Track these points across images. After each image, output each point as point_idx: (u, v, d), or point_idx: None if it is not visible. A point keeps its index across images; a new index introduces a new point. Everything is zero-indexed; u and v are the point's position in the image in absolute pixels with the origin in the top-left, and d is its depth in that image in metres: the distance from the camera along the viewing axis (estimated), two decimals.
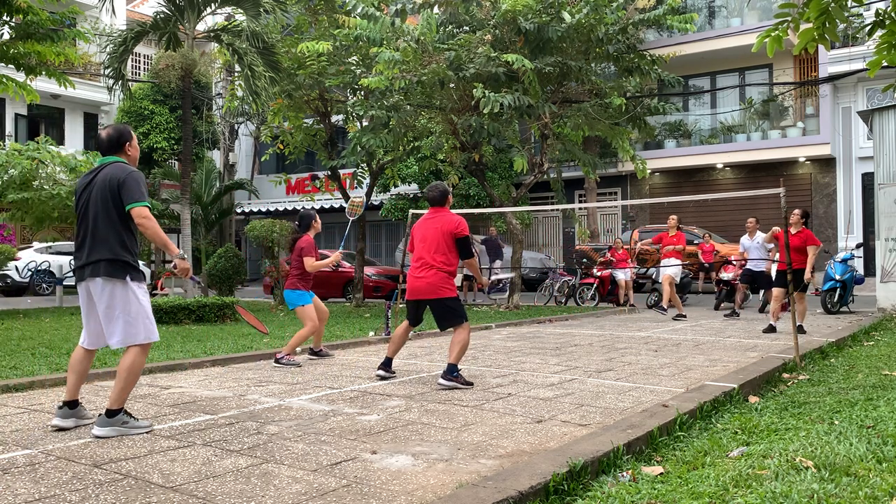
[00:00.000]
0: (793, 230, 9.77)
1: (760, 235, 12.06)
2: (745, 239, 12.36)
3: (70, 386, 4.36)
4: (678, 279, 13.72)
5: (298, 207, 28.03)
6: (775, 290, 9.96)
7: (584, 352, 8.13)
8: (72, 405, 4.37)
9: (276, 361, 7.19)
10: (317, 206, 26.05)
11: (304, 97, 15.97)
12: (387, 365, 6.31)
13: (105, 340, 4.33)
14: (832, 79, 18.71)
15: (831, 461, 3.41)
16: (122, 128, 4.46)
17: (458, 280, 17.91)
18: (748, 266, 12.20)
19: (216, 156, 30.76)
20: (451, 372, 5.82)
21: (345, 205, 18.26)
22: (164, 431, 4.33)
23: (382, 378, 6.25)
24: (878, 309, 12.91)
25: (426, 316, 6.54)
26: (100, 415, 4.25)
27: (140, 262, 4.43)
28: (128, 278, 4.23)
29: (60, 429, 4.31)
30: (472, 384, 5.85)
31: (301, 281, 7.38)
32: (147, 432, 4.25)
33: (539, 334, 10.24)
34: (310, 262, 7.35)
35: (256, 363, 7.36)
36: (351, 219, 8.98)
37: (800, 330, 9.13)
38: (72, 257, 20.13)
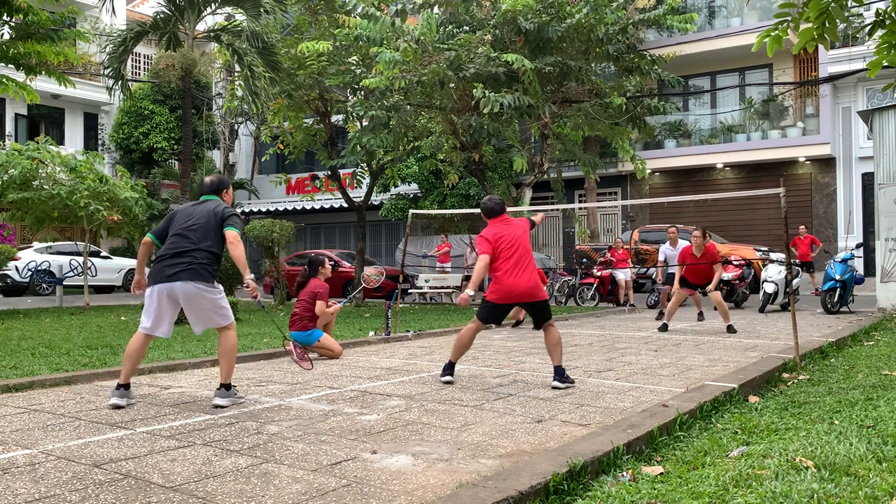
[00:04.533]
0: (697, 252, 10.11)
1: (682, 244, 12.22)
2: (666, 248, 12.62)
3: (127, 371, 5.09)
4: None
5: (298, 207, 28.09)
6: (715, 296, 10.15)
7: (584, 352, 8.13)
8: (126, 387, 5.11)
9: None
10: (317, 207, 26.09)
11: (304, 97, 15.97)
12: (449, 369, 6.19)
13: (167, 332, 5.14)
14: (832, 79, 18.71)
15: (831, 461, 3.41)
16: (223, 178, 5.56)
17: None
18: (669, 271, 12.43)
19: (216, 156, 30.76)
20: (561, 374, 5.86)
21: (345, 205, 18.30)
22: (164, 431, 4.33)
23: (447, 383, 6.06)
24: (878, 309, 12.91)
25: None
26: (218, 388, 5.11)
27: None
28: (214, 284, 5.13)
29: (118, 406, 4.97)
30: (574, 381, 5.94)
31: (311, 322, 7.59)
32: (243, 402, 5.15)
33: (539, 334, 10.23)
34: (321, 307, 7.63)
35: (256, 363, 7.36)
36: (365, 285, 9.61)
37: (730, 329, 9.89)
38: (70, 257, 20.14)
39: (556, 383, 5.78)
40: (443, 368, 6.17)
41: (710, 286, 10.06)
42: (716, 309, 10.48)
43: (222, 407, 5.00)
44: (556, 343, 5.93)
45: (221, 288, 5.20)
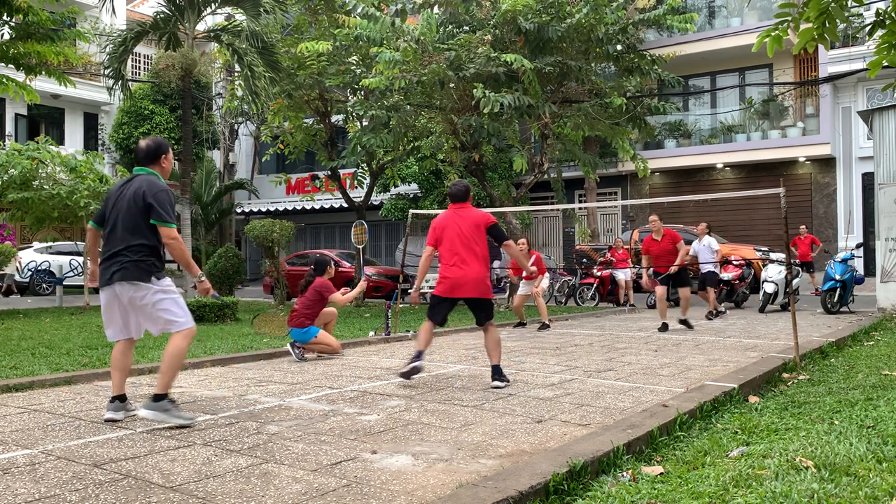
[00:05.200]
0: (657, 236, 10.60)
1: (708, 239, 13.06)
2: (695, 243, 13.25)
3: (116, 382, 4.64)
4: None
5: (298, 207, 28.09)
6: (660, 291, 10.71)
7: (584, 352, 8.13)
8: (121, 399, 4.65)
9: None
10: (317, 207, 26.09)
11: (304, 97, 15.97)
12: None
13: (138, 332, 4.66)
14: (832, 79, 18.71)
15: (831, 461, 3.41)
16: (161, 140, 4.72)
17: None
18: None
19: (216, 156, 30.76)
20: (500, 373, 5.86)
21: (345, 205, 18.29)
22: (164, 431, 4.33)
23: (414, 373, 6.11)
24: (878, 309, 12.91)
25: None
26: (150, 397, 4.50)
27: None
28: (153, 279, 4.49)
29: (113, 420, 4.54)
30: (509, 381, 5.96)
31: (309, 320, 7.59)
32: (186, 426, 4.38)
33: (539, 334, 10.24)
34: (338, 297, 7.61)
35: (256, 363, 7.36)
36: (359, 247, 9.36)
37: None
38: (70, 257, 20.14)
39: (497, 383, 5.81)
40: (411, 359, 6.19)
41: (674, 267, 10.41)
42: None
43: (146, 419, 4.41)
44: (496, 343, 5.99)
45: (169, 285, 4.59)
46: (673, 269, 10.38)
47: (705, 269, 13.11)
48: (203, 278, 4.69)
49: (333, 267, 8.06)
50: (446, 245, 6.00)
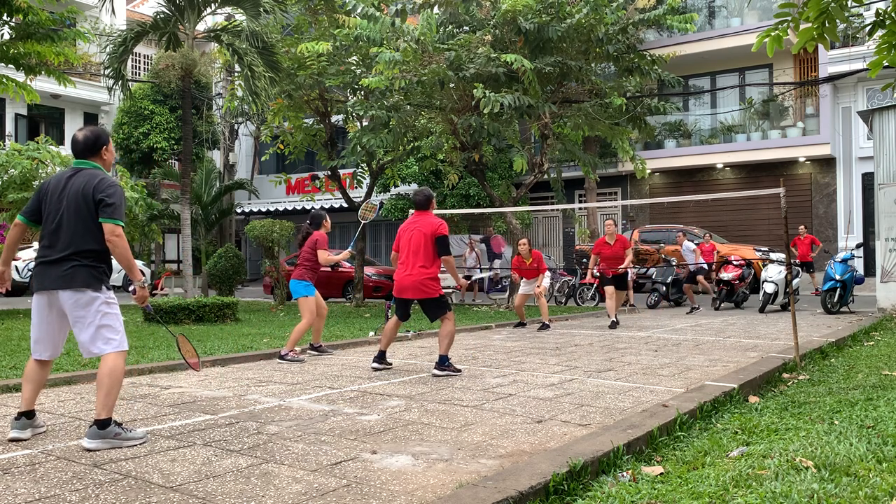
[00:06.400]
0: (610, 240, 11.34)
1: (686, 244, 14.77)
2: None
3: (27, 396, 4.15)
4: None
5: (298, 207, 28.08)
6: (609, 289, 11.50)
7: (584, 352, 8.13)
8: (29, 415, 4.17)
9: (281, 358, 7.45)
10: (317, 207, 26.05)
11: (304, 97, 15.96)
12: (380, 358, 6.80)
13: (59, 350, 4.24)
14: (832, 79, 18.71)
15: (831, 461, 3.41)
16: (99, 130, 4.31)
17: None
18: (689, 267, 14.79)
19: (216, 156, 30.74)
20: (443, 363, 6.39)
21: (345, 205, 18.29)
22: (164, 431, 4.33)
23: (377, 370, 6.69)
24: (878, 309, 12.91)
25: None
26: (90, 426, 3.98)
27: (140, 263, 4.32)
28: (103, 288, 4.10)
29: (18, 440, 4.08)
30: (460, 370, 6.46)
31: (309, 272, 7.67)
32: (141, 444, 4.00)
33: (539, 334, 10.24)
34: (324, 256, 7.67)
35: (256, 363, 7.37)
36: (363, 222, 9.42)
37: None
38: None
39: (436, 371, 6.38)
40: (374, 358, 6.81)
41: (622, 267, 11.37)
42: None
43: (93, 451, 3.87)
44: (446, 335, 6.50)
45: (114, 297, 4.21)
46: (622, 268, 11.41)
47: (694, 267, 14.70)
48: (144, 285, 4.30)
49: (329, 221, 8.09)
50: (402, 250, 6.69)
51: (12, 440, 4.05)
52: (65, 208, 4.07)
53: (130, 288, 4.23)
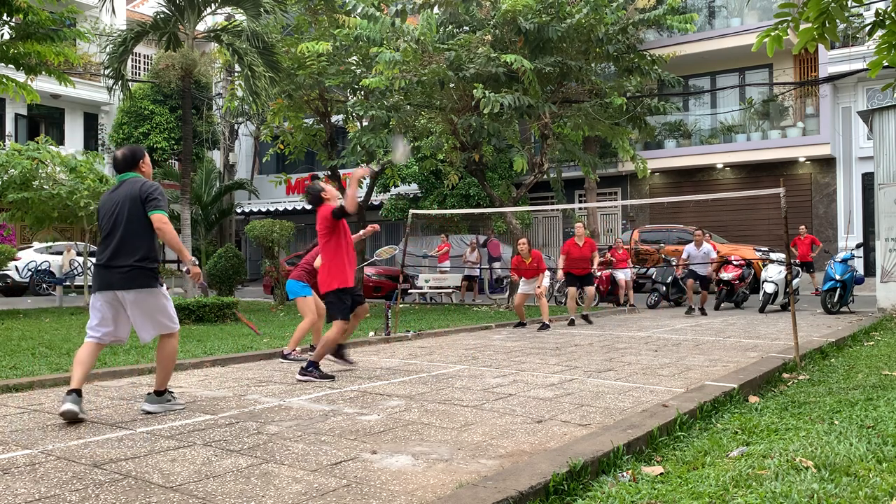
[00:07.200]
0: (579, 242, 11.72)
1: (707, 247, 13.84)
2: (691, 247, 13.82)
3: (78, 377, 4.67)
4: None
5: (298, 208, 28.07)
6: (571, 290, 11.97)
7: (584, 352, 8.13)
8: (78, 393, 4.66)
9: (284, 357, 7.44)
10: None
11: (304, 97, 15.97)
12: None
13: (124, 335, 4.87)
14: (832, 79, 18.71)
15: (831, 461, 3.41)
16: (135, 147, 4.98)
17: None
18: (692, 268, 13.88)
19: (216, 156, 30.75)
20: (309, 368, 6.25)
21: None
22: (164, 431, 4.33)
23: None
24: (878, 309, 12.91)
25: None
26: (148, 394, 4.90)
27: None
28: (157, 285, 4.76)
29: (71, 412, 4.50)
30: (333, 377, 6.24)
31: (308, 275, 7.63)
32: (181, 409, 4.89)
33: (539, 334, 10.24)
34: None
35: (256, 363, 7.37)
36: (376, 258, 9.77)
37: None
38: (71, 257, 20.10)
39: (299, 376, 6.28)
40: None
41: (593, 266, 11.83)
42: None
43: (152, 413, 4.78)
44: (324, 340, 6.44)
45: (165, 291, 4.86)
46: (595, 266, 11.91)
47: (701, 271, 13.78)
48: (196, 262, 4.96)
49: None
50: None
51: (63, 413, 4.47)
52: (118, 213, 4.71)
53: (185, 269, 4.86)
